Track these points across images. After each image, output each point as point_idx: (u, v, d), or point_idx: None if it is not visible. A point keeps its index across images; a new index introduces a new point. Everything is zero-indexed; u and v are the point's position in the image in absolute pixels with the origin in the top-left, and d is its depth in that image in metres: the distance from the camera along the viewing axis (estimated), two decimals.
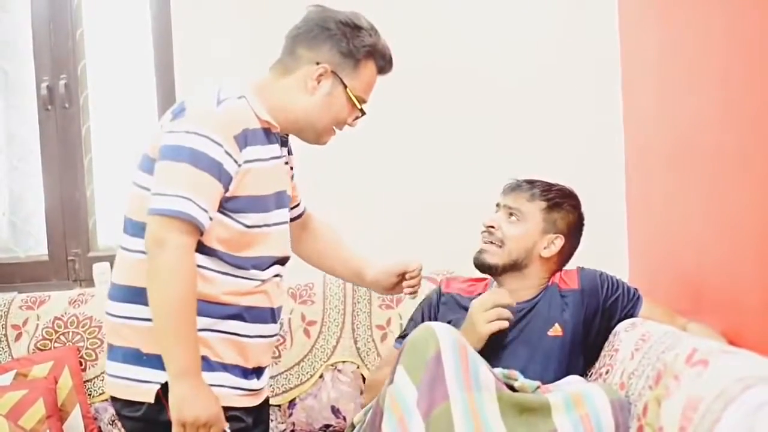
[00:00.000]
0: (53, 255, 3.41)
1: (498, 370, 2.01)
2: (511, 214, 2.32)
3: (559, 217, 2.33)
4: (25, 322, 2.92)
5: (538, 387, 2.04)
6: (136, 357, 1.93)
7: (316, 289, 2.89)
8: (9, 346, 2.89)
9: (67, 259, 3.39)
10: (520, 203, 2.32)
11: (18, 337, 2.89)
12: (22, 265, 3.44)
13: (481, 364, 1.90)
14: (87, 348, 2.87)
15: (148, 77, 3.36)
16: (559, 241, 2.32)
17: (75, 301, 2.95)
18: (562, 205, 2.34)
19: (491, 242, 2.31)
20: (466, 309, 2.31)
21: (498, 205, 2.38)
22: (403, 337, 2.42)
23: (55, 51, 3.39)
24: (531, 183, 2.35)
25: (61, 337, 2.88)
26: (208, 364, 1.93)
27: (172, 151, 1.86)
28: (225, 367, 1.96)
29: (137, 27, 3.40)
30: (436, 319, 2.39)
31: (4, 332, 2.91)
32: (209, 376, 1.91)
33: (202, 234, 1.86)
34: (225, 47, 3.16)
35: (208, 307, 1.92)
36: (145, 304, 1.89)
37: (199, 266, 1.90)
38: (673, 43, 2.52)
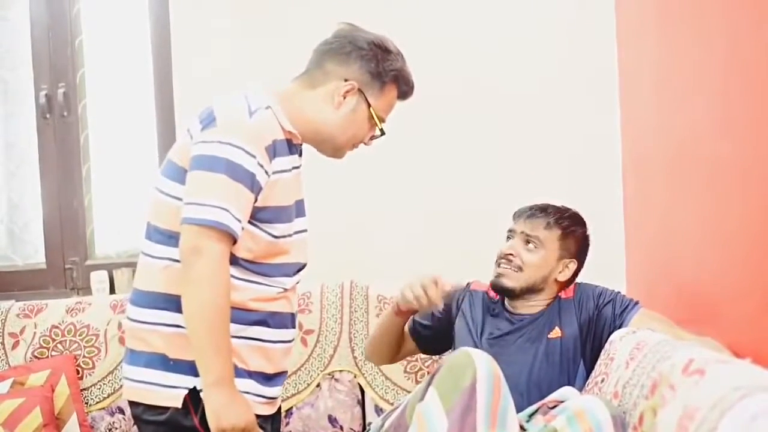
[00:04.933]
0: (51, 263, 3.41)
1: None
2: (528, 242, 2.37)
3: (572, 242, 2.40)
4: (22, 331, 2.92)
5: (537, 410, 2.07)
6: (162, 362, 1.94)
7: (314, 298, 2.89)
8: (6, 355, 2.89)
9: (64, 268, 3.39)
10: (537, 231, 2.36)
11: (15, 345, 2.89)
12: (19, 273, 3.44)
13: (510, 400, 1.92)
14: (84, 356, 2.87)
15: (147, 86, 3.37)
16: (573, 265, 2.40)
17: (72, 309, 2.95)
18: (576, 231, 2.41)
19: (509, 268, 2.36)
20: (489, 311, 2.43)
21: (512, 231, 2.42)
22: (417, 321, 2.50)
23: (53, 59, 3.40)
24: (544, 210, 2.40)
25: (59, 346, 2.88)
26: (234, 371, 1.94)
27: (207, 161, 1.86)
28: (249, 374, 1.97)
29: (136, 36, 3.41)
30: (457, 310, 2.47)
31: (1, 340, 2.91)
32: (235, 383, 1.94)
33: (235, 243, 1.88)
34: (224, 56, 3.17)
35: (236, 314, 1.93)
36: (172, 310, 1.91)
37: None
38: (670, 53, 2.52)
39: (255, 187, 1.88)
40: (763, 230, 1.92)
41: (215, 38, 3.21)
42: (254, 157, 1.87)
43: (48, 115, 3.39)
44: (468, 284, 2.55)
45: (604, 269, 2.67)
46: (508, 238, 2.42)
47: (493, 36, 3.14)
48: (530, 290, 2.37)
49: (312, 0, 3.08)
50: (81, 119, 3.41)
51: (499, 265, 2.39)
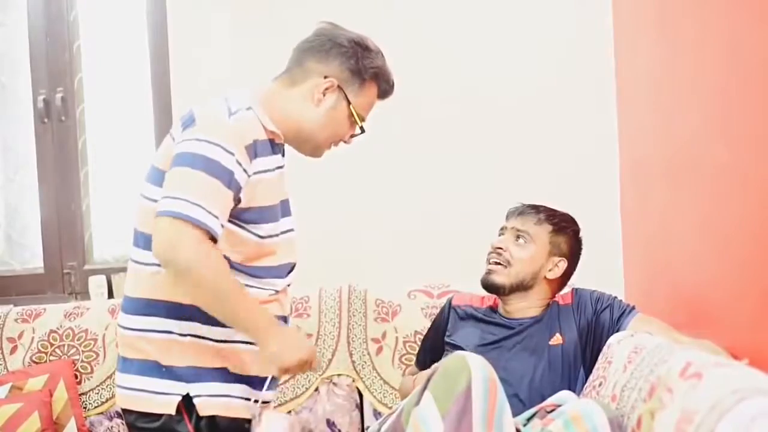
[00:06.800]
0: (49, 268, 3.41)
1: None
2: (518, 237, 2.40)
3: (563, 240, 2.41)
4: (20, 335, 2.92)
5: (535, 414, 2.07)
6: (155, 369, 1.94)
7: (312, 302, 2.89)
8: (4, 359, 2.89)
9: (62, 272, 3.39)
10: (527, 226, 2.39)
11: (13, 350, 2.89)
12: (17, 278, 3.44)
13: (506, 404, 1.92)
14: (82, 361, 2.87)
15: (145, 90, 3.37)
16: (563, 264, 2.41)
17: (70, 314, 2.94)
18: (566, 229, 2.43)
19: (498, 263, 2.37)
20: (478, 320, 2.44)
21: (503, 228, 2.44)
22: (419, 360, 2.57)
23: (51, 64, 3.40)
24: (535, 208, 2.43)
25: (57, 350, 2.88)
26: (226, 376, 1.96)
27: (184, 158, 1.86)
28: (243, 379, 1.98)
29: (134, 40, 3.42)
30: (443, 335, 2.48)
31: None
32: (228, 388, 1.95)
33: (215, 241, 1.86)
34: (222, 61, 3.18)
35: None
36: (162, 315, 1.92)
37: None
38: (668, 58, 2.52)
39: (233, 185, 1.87)
40: (761, 234, 1.93)
41: (213, 43, 3.22)
42: (232, 154, 1.87)
43: (46, 120, 3.39)
44: (449, 301, 2.57)
45: (602, 273, 2.67)
46: (500, 234, 2.44)
47: (490, 38, 3.14)
48: (520, 287, 2.38)
49: (311, 3, 3.08)
50: (79, 124, 3.42)
51: (489, 261, 2.40)
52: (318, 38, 2.05)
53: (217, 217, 1.84)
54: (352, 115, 2.04)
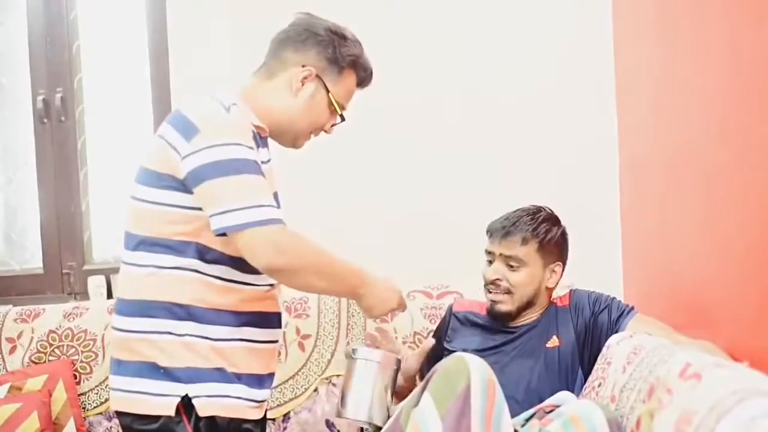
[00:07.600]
0: (48, 268, 3.41)
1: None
2: (509, 264, 2.36)
3: (552, 247, 2.39)
4: (19, 335, 2.92)
5: (533, 415, 2.07)
6: (152, 371, 1.93)
7: (311, 302, 2.89)
8: (3, 359, 2.89)
9: (62, 272, 3.38)
10: (515, 251, 2.34)
11: (12, 350, 2.89)
12: (17, 278, 3.44)
13: (505, 405, 1.92)
14: (81, 361, 2.87)
15: (144, 91, 3.36)
16: (559, 268, 2.40)
17: (70, 314, 2.94)
18: (554, 235, 2.38)
19: (499, 293, 2.36)
20: (479, 326, 2.43)
21: (490, 253, 2.39)
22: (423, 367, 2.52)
23: (51, 64, 3.40)
24: (515, 224, 2.36)
25: (56, 350, 2.88)
26: (224, 376, 1.95)
27: (214, 168, 1.83)
28: (240, 378, 1.97)
29: (134, 40, 3.42)
30: (444, 341, 2.47)
31: None
32: (226, 388, 1.94)
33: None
34: (222, 61, 3.17)
35: (225, 317, 1.94)
36: (161, 317, 1.91)
37: (214, 276, 1.93)
38: (668, 58, 2.52)
39: (263, 175, 1.88)
40: (761, 234, 1.92)
41: (212, 43, 3.21)
42: (251, 148, 1.88)
43: (45, 120, 3.39)
44: (450, 307, 2.56)
45: (601, 273, 2.67)
46: (489, 260, 2.40)
47: (490, 38, 3.14)
48: (527, 306, 2.37)
49: (310, 4, 3.08)
50: (78, 124, 3.42)
51: (489, 291, 2.38)
52: (294, 28, 2.06)
53: (275, 207, 1.86)
54: (332, 103, 2.05)
